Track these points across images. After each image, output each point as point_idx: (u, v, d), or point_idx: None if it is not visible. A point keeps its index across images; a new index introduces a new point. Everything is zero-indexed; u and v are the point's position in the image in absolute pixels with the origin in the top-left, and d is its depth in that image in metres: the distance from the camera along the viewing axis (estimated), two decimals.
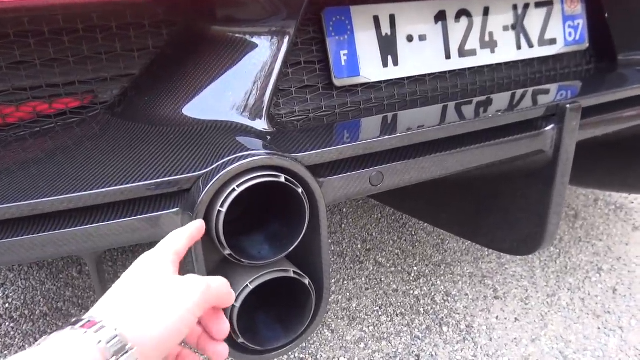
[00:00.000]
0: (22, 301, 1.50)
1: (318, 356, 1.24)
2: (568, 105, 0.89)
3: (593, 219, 1.87)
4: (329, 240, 1.77)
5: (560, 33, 1.21)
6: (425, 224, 1.84)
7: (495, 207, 1.10)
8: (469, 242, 1.72)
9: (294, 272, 0.75)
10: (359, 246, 1.73)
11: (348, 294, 1.48)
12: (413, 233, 1.79)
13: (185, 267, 0.74)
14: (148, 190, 0.68)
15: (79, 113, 0.86)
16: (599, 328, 1.31)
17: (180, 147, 0.76)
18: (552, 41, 1.20)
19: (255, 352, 0.77)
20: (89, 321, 0.44)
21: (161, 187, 0.69)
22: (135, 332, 0.45)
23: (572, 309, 1.38)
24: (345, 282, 1.53)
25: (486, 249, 1.67)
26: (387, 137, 0.77)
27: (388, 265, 1.61)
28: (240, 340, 0.74)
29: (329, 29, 0.95)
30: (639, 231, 1.78)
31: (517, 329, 1.31)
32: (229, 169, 0.66)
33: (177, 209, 0.70)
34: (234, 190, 0.66)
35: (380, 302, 1.43)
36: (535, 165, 0.97)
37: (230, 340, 0.76)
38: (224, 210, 0.66)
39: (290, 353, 1.25)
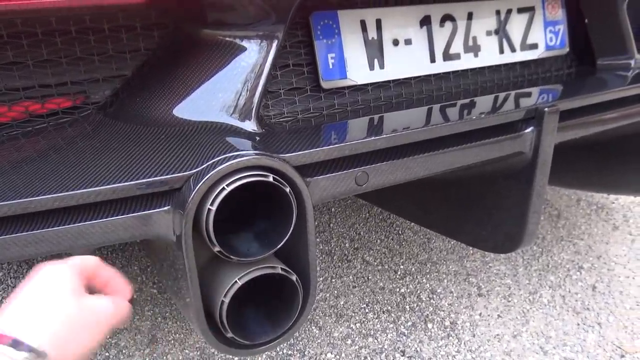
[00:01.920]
0: None
1: (305, 352, 1.27)
2: (546, 109, 0.93)
3: (575, 218, 1.91)
4: (317, 239, 1.80)
5: (541, 38, 1.25)
6: (412, 224, 1.87)
7: (478, 207, 1.13)
8: (454, 241, 1.75)
9: (282, 268, 0.77)
10: (347, 245, 1.75)
11: (336, 291, 1.50)
12: (400, 232, 1.82)
13: (176, 265, 0.76)
14: (139, 189, 0.70)
15: (71, 113, 0.88)
16: (578, 324, 1.35)
17: (171, 147, 0.78)
18: (534, 46, 1.24)
19: (244, 346, 0.80)
20: (10, 338, 0.44)
21: (152, 186, 0.71)
22: (57, 352, 0.46)
23: (553, 305, 1.42)
24: (333, 280, 1.55)
25: (471, 248, 1.70)
26: (372, 138, 0.80)
27: (375, 263, 1.64)
28: (230, 335, 0.77)
29: (317, 33, 0.97)
30: (618, 230, 1.83)
31: (500, 325, 1.35)
32: (218, 168, 0.68)
33: (169, 207, 0.72)
34: (223, 189, 0.68)
35: (367, 300, 1.46)
36: (515, 166, 1.00)
37: (219, 335, 0.78)
38: (214, 208, 0.68)
39: (278, 350, 1.28)
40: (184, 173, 0.71)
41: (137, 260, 1.70)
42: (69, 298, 0.51)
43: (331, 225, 1.90)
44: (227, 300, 0.74)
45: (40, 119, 0.87)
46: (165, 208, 0.72)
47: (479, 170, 1.07)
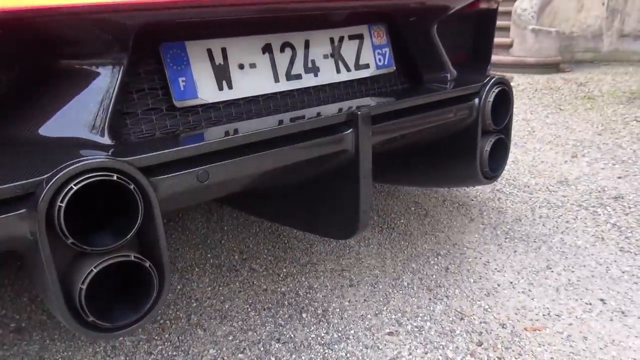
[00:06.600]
0: None
1: (189, 352, 1.38)
2: (359, 112, 1.15)
3: (439, 215, 2.19)
4: (209, 255, 1.92)
5: (371, 59, 1.50)
6: (298, 232, 2.04)
7: (324, 203, 1.33)
8: (334, 243, 1.95)
9: (135, 256, 0.90)
10: (236, 257, 1.89)
11: (222, 297, 1.63)
12: (286, 241, 1.99)
13: (37, 262, 0.86)
14: None
15: None
16: (430, 299, 1.57)
17: (29, 160, 0.89)
18: (366, 66, 1.48)
19: (106, 329, 0.91)
20: None
21: (9, 192, 0.82)
22: None
23: (412, 287, 1.64)
24: (220, 288, 1.68)
25: (347, 248, 1.90)
26: (207, 141, 0.96)
27: (261, 270, 1.79)
28: (90, 319, 0.88)
29: (167, 61, 1.14)
30: (473, 222, 2.12)
31: (365, 308, 1.54)
32: (66, 170, 0.81)
33: (24, 210, 0.83)
34: (71, 188, 0.81)
35: (250, 301, 1.60)
36: (344, 164, 1.21)
37: (80, 320, 0.89)
38: (63, 205, 0.80)
39: (163, 352, 1.37)
40: (37, 178, 0.83)
41: (26, 292, 1.72)
42: None
43: (222, 241, 2.02)
44: (84, 287, 0.85)
45: None
46: (22, 211, 0.83)
47: (320, 171, 1.26)
